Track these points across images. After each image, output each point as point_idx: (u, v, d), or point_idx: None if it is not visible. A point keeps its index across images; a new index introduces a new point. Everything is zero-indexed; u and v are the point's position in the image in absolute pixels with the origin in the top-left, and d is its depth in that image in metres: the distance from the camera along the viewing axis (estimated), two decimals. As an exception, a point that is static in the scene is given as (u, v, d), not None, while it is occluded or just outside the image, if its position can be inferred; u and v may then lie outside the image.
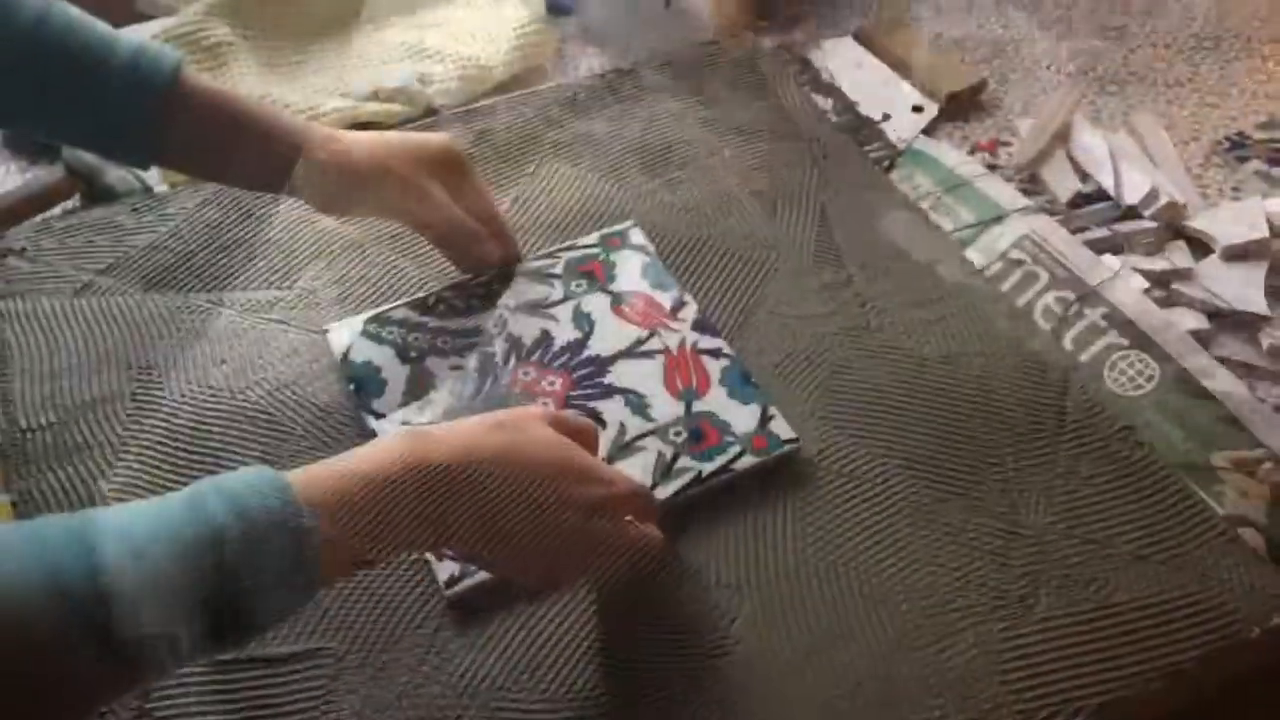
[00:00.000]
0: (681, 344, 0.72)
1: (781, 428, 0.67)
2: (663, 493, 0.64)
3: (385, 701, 0.57)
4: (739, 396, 0.69)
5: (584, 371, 0.70)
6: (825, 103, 0.98)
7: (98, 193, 0.88)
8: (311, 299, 0.77)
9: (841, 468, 0.67)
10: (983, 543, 0.64)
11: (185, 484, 0.45)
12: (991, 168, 0.95)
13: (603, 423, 0.67)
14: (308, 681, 0.58)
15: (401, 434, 0.51)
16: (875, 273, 0.78)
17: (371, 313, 0.74)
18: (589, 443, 0.59)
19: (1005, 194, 0.92)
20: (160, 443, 0.68)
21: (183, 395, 0.71)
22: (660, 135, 0.89)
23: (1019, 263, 0.87)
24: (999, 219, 0.90)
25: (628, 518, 0.58)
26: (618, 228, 0.79)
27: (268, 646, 0.59)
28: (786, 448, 0.66)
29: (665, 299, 0.74)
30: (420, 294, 0.76)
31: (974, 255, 0.87)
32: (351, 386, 0.70)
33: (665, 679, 0.58)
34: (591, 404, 0.68)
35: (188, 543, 0.43)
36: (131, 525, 0.43)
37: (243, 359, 0.73)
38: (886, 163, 0.94)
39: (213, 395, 0.71)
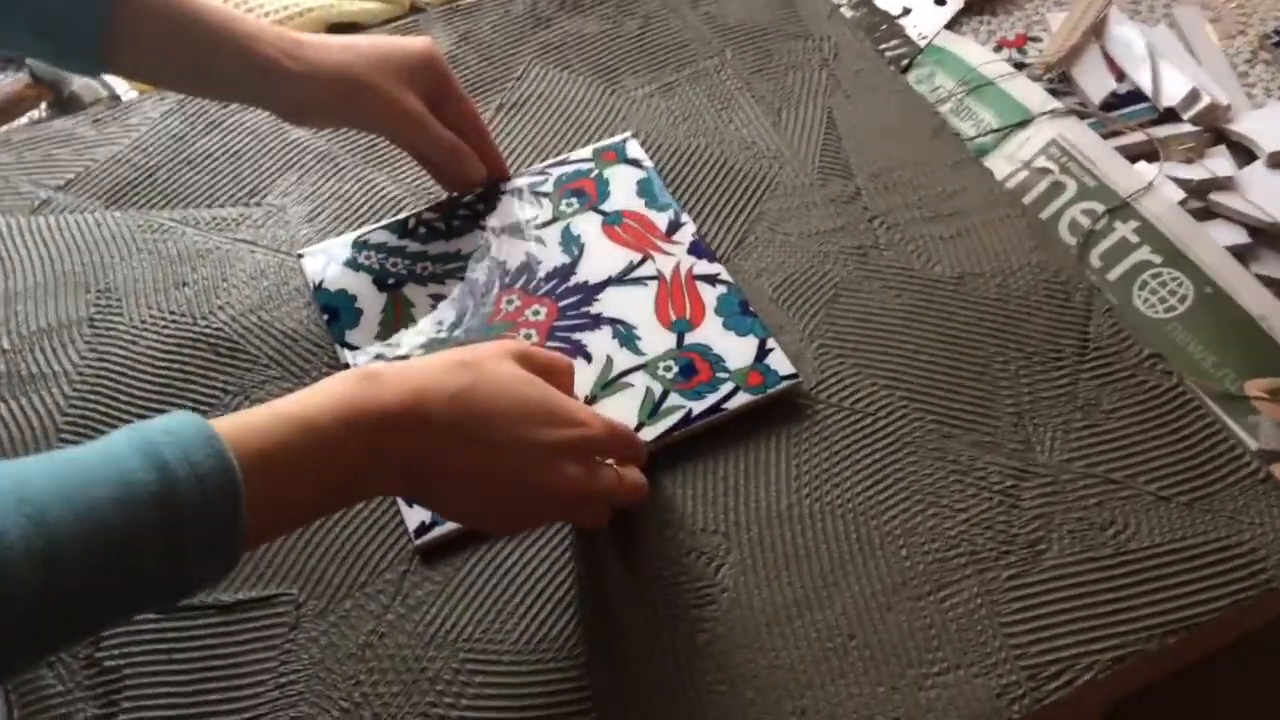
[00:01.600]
0: (675, 269, 0.67)
1: (780, 362, 0.62)
2: (649, 433, 0.60)
3: (347, 651, 0.54)
4: (735, 327, 0.64)
5: (571, 300, 0.65)
6: (839, -4, 0.90)
7: (65, 101, 0.83)
8: (280, 217, 0.72)
9: (841, 400, 0.62)
10: (991, 482, 0.59)
11: (144, 417, 0.40)
12: (1019, 66, 0.88)
13: (588, 356, 0.63)
14: (265, 629, 0.55)
15: (349, 375, 0.47)
16: (886, 185, 0.73)
17: (348, 237, 0.69)
18: (562, 380, 0.55)
19: (1033, 95, 0.86)
20: (120, 372, 0.64)
21: (143, 321, 0.67)
22: (658, 35, 0.82)
23: (1045, 171, 0.80)
24: (1025, 123, 0.84)
25: (608, 461, 0.54)
26: (613, 140, 0.73)
27: (222, 592, 0.56)
28: (784, 384, 0.62)
29: (660, 219, 0.69)
30: (399, 214, 0.71)
31: (996, 163, 0.81)
32: (325, 318, 0.65)
33: (645, 630, 0.54)
34: (577, 335, 0.64)
35: (102, 506, 0.39)
36: (49, 487, 0.39)
37: (206, 281, 0.69)
38: (904, 62, 0.87)
39: (174, 320, 0.67)
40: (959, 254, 0.69)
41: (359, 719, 0.52)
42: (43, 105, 0.84)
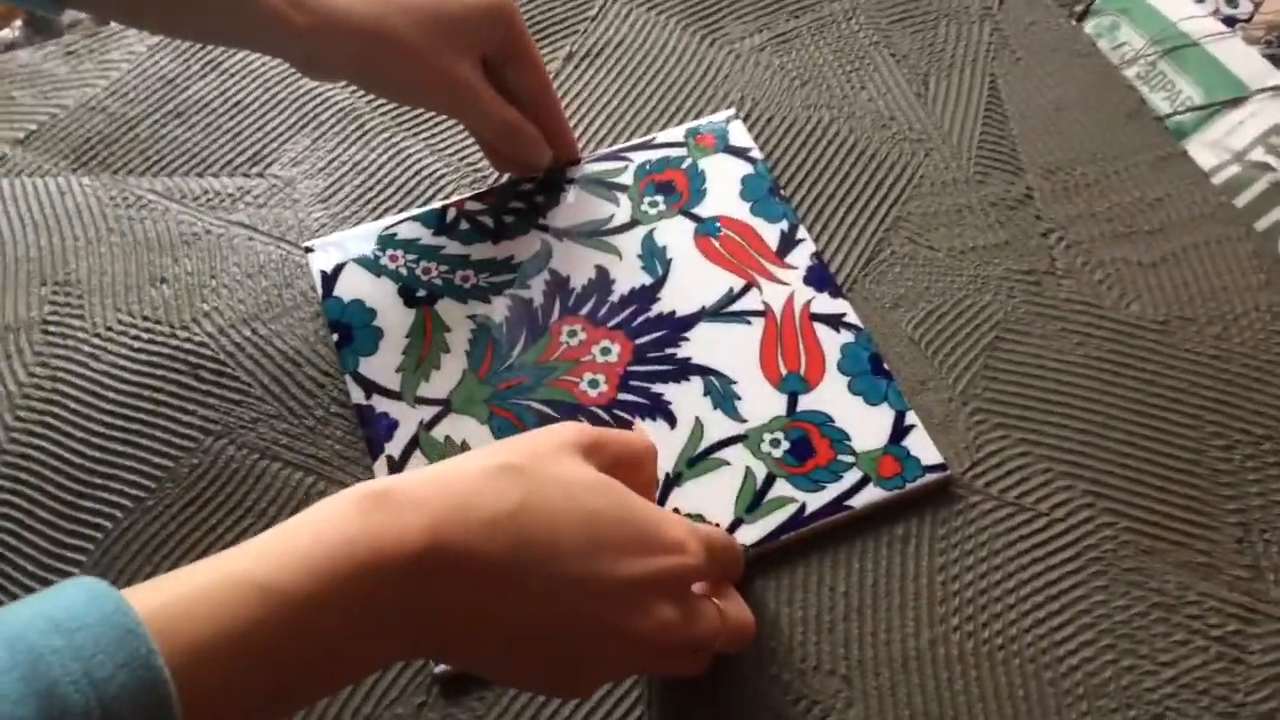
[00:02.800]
0: (789, 304, 0.51)
1: (923, 445, 0.47)
2: (748, 534, 0.45)
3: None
4: (864, 391, 0.48)
5: (651, 336, 0.50)
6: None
7: (38, 23, 0.68)
8: (287, 193, 0.57)
9: (1003, 492, 0.47)
10: (1208, 624, 0.44)
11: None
12: (1230, 23, 0.68)
13: (671, 419, 0.48)
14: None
15: (345, 499, 0.32)
16: (1065, 185, 0.55)
17: (371, 228, 0.54)
18: (643, 475, 0.40)
19: (1249, 64, 0.67)
20: (75, 397, 0.50)
21: (109, 328, 0.53)
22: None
23: (1264, 168, 0.62)
24: (1237, 101, 0.65)
25: (699, 589, 0.40)
26: (713, 121, 0.56)
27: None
28: (929, 478, 0.46)
29: (770, 231, 0.53)
30: (436, 199, 0.55)
31: (1197, 151, 0.63)
32: (334, 338, 0.51)
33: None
34: (658, 388, 0.49)
35: None
36: None
37: (191, 279, 0.54)
38: (1078, 7, 0.68)
39: (147, 330, 0.53)
40: (1163, 288, 0.52)
41: None
42: (14, 24, 0.68)
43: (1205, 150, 0.63)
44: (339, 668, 0.32)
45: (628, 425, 0.47)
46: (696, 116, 0.57)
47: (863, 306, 0.51)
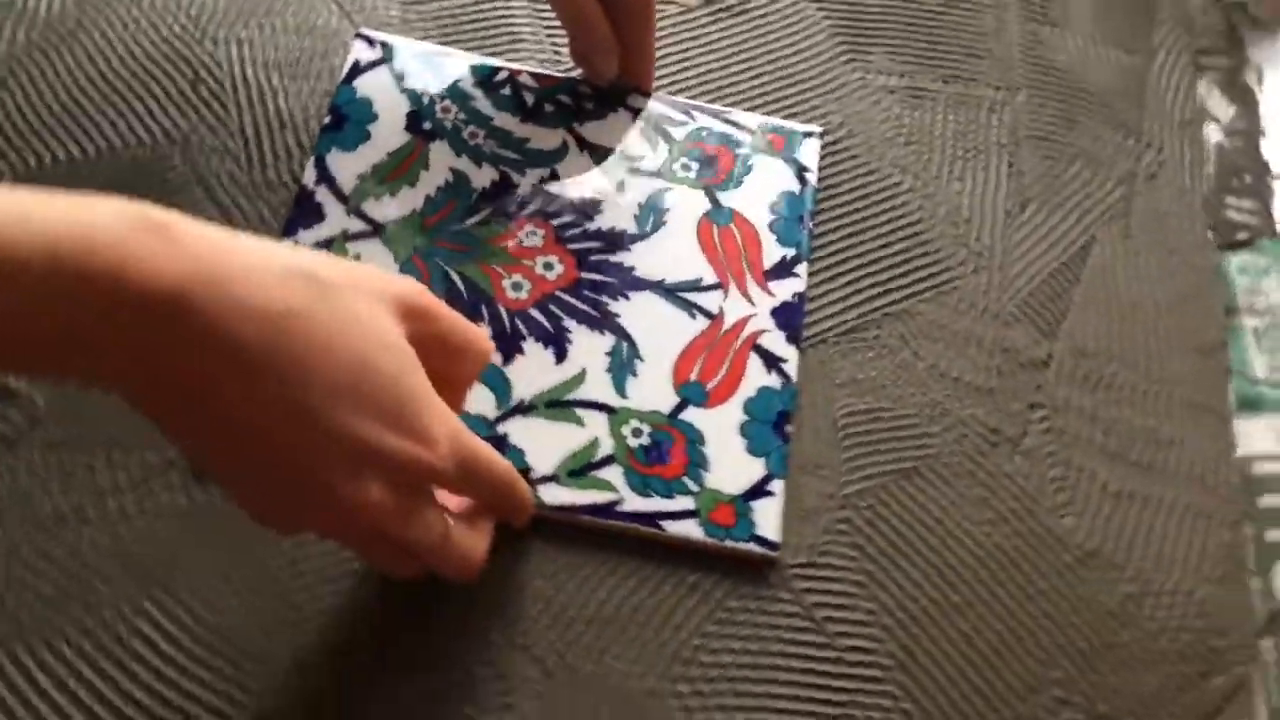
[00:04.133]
0: (743, 322, 0.48)
1: (769, 519, 0.44)
2: (554, 494, 0.43)
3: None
4: (753, 438, 0.45)
5: (596, 277, 0.48)
6: None
7: None
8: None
9: (811, 606, 0.44)
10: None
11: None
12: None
13: (561, 353, 0.46)
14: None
15: (128, 211, 0.30)
16: (1085, 373, 0.51)
17: (422, 46, 0.53)
18: (461, 373, 0.38)
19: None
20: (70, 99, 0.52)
21: (124, 25, 0.53)
22: (954, 22, 0.60)
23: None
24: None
25: (453, 503, 0.38)
26: (794, 126, 0.53)
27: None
28: (751, 548, 0.43)
29: (774, 251, 0.50)
30: (506, 59, 0.54)
31: (1257, 431, 0.57)
32: (327, 119, 0.50)
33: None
34: (569, 322, 0.47)
35: None
36: None
37: (244, 4, 0.54)
38: (1242, 235, 0.62)
39: (180, 27, 0.53)
40: (1110, 523, 0.47)
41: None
42: None
43: (1267, 434, 0.57)
44: (50, 356, 0.30)
45: (517, 337, 0.46)
46: (786, 116, 0.55)
47: (812, 368, 0.48)
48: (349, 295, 0.33)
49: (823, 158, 0.54)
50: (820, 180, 0.53)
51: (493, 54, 0.54)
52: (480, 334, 0.38)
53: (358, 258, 0.47)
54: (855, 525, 0.45)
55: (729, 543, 0.43)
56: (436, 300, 0.36)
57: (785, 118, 0.54)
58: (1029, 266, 0.53)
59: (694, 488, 0.44)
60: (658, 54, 0.56)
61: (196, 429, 0.32)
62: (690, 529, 0.43)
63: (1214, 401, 0.51)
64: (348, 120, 0.50)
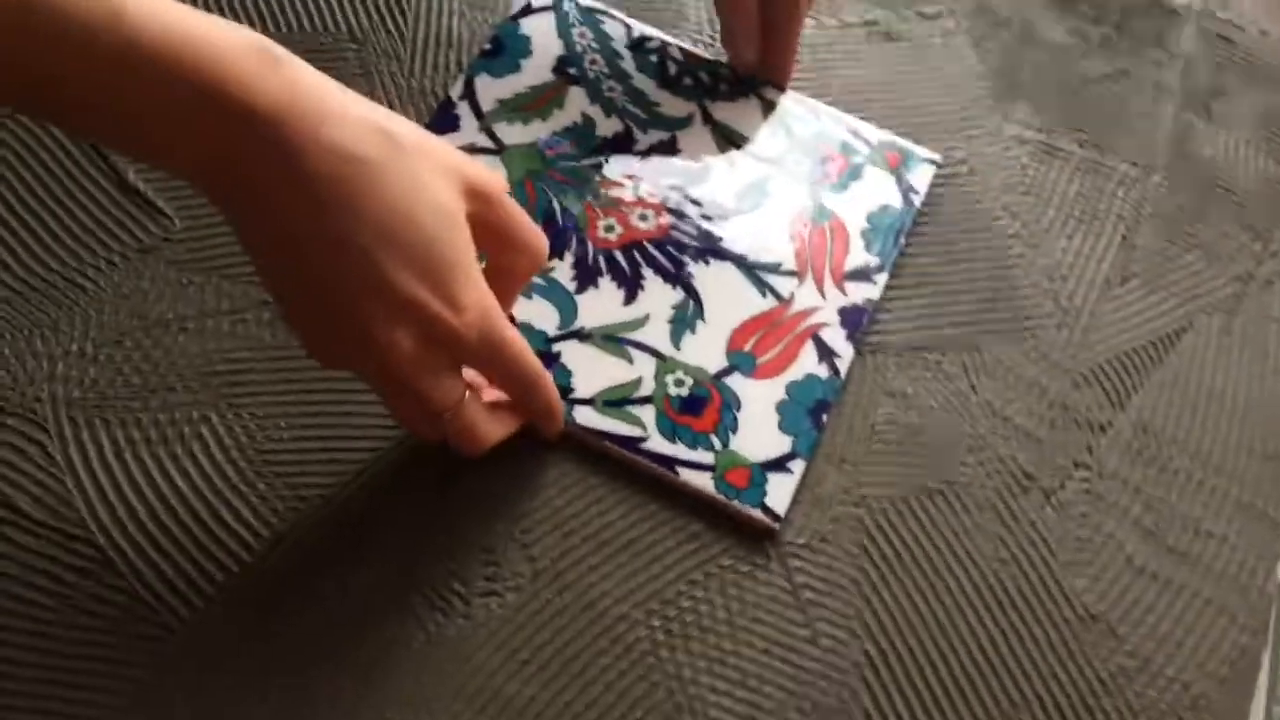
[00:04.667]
0: (808, 312, 0.50)
1: (780, 492, 0.45)
2: (586, 416, 0.46)
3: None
4: (787, 416, 0.47)
5: (684, 239, 0.51)
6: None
7: None
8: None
9: (797, 586, 0.45)
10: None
11: None
12: None
13: (631, 295, 0.49)
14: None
15: (247, 35, 0.34)
16: (1144, 453, 0.50)
17: (591, 2, 0.57)
18: (514, 267, 0.41)
19: None
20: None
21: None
22: (1113, 94, 0.60)
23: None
24: None
25: (488, 394, 0.41)
26: (914, 149, 0.55)
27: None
28: (755, 514, 0.45)
29: (860, 257, 0.52)
30: (663, 29, 0.58)
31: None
32: (488, 45, 0.55)
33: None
34: (647, 271, 0.50)
35: None
36: None
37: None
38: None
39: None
40: (1132, 601, 0.47)
41: None
42: None
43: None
44: (137, 133, 0.34)
45: (596, 272, 0.49)
46: (917, 141, 0.56)
47: (867, 371, 0.50)
48: (416, 158, 0.36)
49: (936, 186, 0.55)
50: (927, 205, 0.55)
51: (655, 25, 0.58)
52: (540, 235, 0.41)
53: (476, 170, 0.51)
54: (864, 524, 0.46)
55: (736, 503, 0.45)
56: (503, 191, 0.39)
57: (911, 141, 0.56)
58: (1114, 336, 0.53)
59: (718, 445, 0.46)
60: (805, 59, 0.58)
61: (261, 242, 0.36)
62: (703, 480, 0.45)
63: (1271, 509, 0.50)
64: (504, 51, 0.55)
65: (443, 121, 0.52)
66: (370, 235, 0.35)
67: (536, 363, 0.41)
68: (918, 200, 0.54)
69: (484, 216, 0.39)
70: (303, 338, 0.38)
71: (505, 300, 0.42)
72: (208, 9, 0.55)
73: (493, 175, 0.39)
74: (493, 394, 0.43)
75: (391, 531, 0.44)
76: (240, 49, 0.34)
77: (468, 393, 0.40)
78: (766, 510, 0.45)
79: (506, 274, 0.42)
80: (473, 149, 0.52)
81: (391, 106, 0.54)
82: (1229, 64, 0.63)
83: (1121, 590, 0.47)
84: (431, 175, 0.37)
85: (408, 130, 0.37)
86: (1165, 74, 0.62)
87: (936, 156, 0.55)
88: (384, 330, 0.36)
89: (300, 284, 0.36)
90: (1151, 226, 0.56)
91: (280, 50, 0.35)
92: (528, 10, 0.56)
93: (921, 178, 0.54)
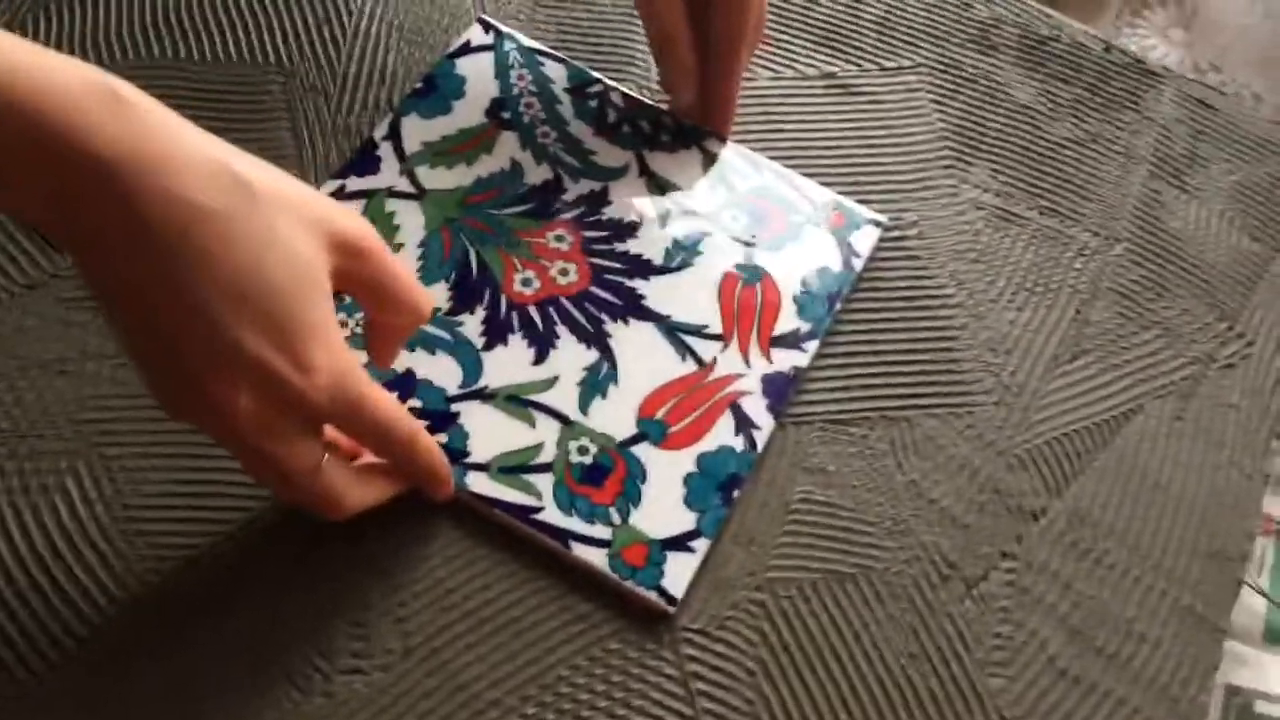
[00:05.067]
0: (728, 379, 0.47)
1: (679, 574, 0.43)
2: (479, 482, 0.44)
3: None
4: (695, 491, 0.44)
5: (604, 296, 0.48)
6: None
7: None
8: (527, -20, 0.59)
9: (688, 676, 0.42)
10: None
11: None
12: None
13: (542, 356, 0.47)
14: None
15: (95, 76, 0.32)
16: (1076, 543, 0.47)
17: (533, 44, 0.55)
18: (386, 316, 0.39)
19: None
20: None
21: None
22: (1085, 167, 0.58)
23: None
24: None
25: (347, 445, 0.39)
26: (863, 213, 0.52)
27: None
28: (649, 596, 0.42)
29: (790, 322, 0.49)
30: (614, 73, 0.56)
31: (1273, 668, 0.52)
32: (419, 84, 0.53)
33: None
34: (561, 328, 0.47)
35: None
36: None
37: (400, -28, 0.58)
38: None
39: (338, -22, 0.57)
40: (1050, 706, 0.44)
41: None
42: None
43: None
44: None
45: (507, 328, 0.47)
46: (860, 200, 0.54)
47: (786, 445, 0.47)
48: (273, 208, 0.34)
49: (881, 249, 0.53)
50: (869, 270, 0.52)
51: (600, 69, 0.56)
52: (420, 293, 0.39)
53: (393, 214, 0.49)
54: (768, 610, 0.44)
55: (630, 583, 0.42)
56: (379, 245, 0.37)
57: (858, 201, 0.53)
58: (1057, 417, 0.50)
59: (617, 519, 0.43)
60: (755, 110, 0.56)
61: (101, 288, 0.34)
62: (597, 557, 0.43)
63: (1212, 614, 0.47)
64: (436, 90, 0.53)
65: (362, 163, 0.50)
66: (213, 290, 0.33)
67: (408, 426, 0.39)
68: (859, 264, 0.51)
69: (355, 271, 0.37)
70: (148, 386, 0.36)
71: (382, 358, 0.40)
72: (131, 31, 0.54)
73: (366, 228, 0.37)
74: (369, 454, 0.41)
75: (255, 599, 0.42)
76: (81, 89, 0.32)
77: (330, 455, 0.38)
78: (662, 592, 0.42)
79: (384, 330, 0.40)
80: (390, 192, 0.50)
81: (313, 144, 0.52)
82: (1208, 131, 0.60)
83: (1041, 693, 0.44)
84: (289, 227, 0.35)
85: (267, 178, 0.35)
86: (1138, 139, 0.59)
87: (882, 218, 0.53)
88: (224, 390, 0.34)
89: (141, 334, 0.34)
90: (1108, 301, 0.54)
91: (128, 91, 0.33)
92: (466, 49, 0.55)
93: (865, 240, 0.52)
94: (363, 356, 0.42)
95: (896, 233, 0.54)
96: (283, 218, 0.34)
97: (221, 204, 0.33)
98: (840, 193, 0.53)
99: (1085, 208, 0.56)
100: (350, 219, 0.37)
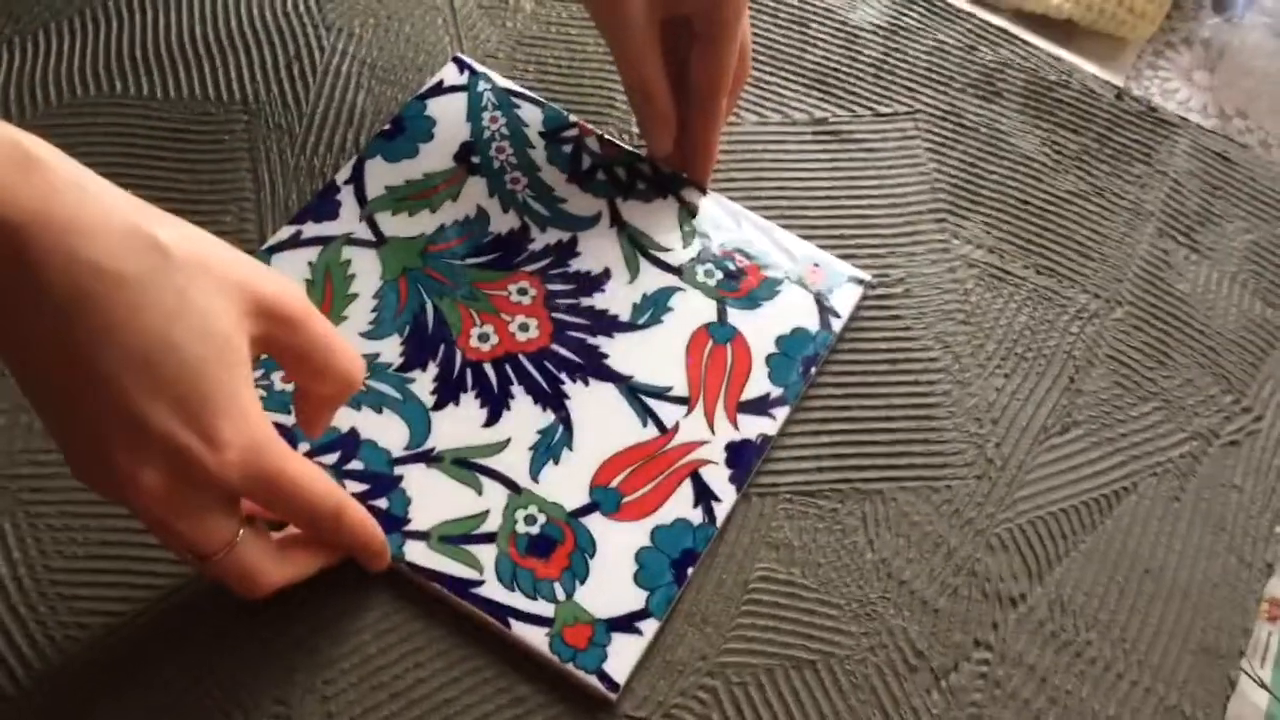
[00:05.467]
0: (690, 446, 0.45)
1: (623, 660, 0.40)
2: (418, 553, 0.41)
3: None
4: (646, 568, 0.42)
5: (565, 355, 0.46)
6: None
7: None
8: (504, 12, 0.57)
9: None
10: None
11: None
12: None
13: (495, 418, 0.44)
14: None
15: (13, 139, 0.31)
16: (1055, 636, 0.44)
17: (509, 84, 0.53)
18: (313, 385, 0.37)
19: None
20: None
21: (298, -12, 0.56)
22: (1087, 227, 0.55)
23: None
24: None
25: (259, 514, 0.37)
26: (841, 270, 0.50)
27: None
28: (592, 683, 0.40)
29: (760, 385, 0.47)
30: (592, 118, 0.54)
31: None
32: (387, 125, 0.51)
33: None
34: (517, 388, 0.45)
35: None
36: None
37: (359, 4, 0.56)
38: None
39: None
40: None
41: None
42: None
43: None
44: None
45: (459, 387, 0.45)
46: (845, 255, 0.51)
47: (750, 517, 0.45)
48: (188, 274, 0.32)
49: (864, 307, 0.50)
50: (851, 330, 0.49)
51: (581, 111, 0.54)
52: (352, 360, 0.37)
53: (349, 262, 0.47)
54: (718, 698, 0.41)
55: (570, 666, 0.40)
56: (306, 311, 0.35)
57: (843, 256, 0.51)
58: (1043, 494, 0.47)
59: (561, 595, 0.41)
60: (739, 157, 0.54)
61: (6, 350, 0.33)
62: (536, 637, 0.40)
63: (1201, 716, 0.44)
64: (404, 132, 0.51)
65: (321, 207, 0.49)
66: (118, 360, 0.31)
67: (333, 501, 0.37)
68: (838, 324, 0.49)
69: (279, 338, 0.35)
70: (60, 449, 0.34)
71: (311, 427, 0.38)
72: (95, 66, 0.52)
73: (295, 294, 0.35)
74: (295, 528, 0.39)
75: (174, 672, 0.40)
76: None
77: (249, 529, 0.36)
78: (603, 677, 0.40)
79: (312, 399, 0.38)
80: (348, 239, 0.48)
81: (273, 186, 0.50)
82: (1224, 186, 0.57)
83: (1011, 799, 0.41)
84: (205, 294, 0.33)
85: (185, 243, 0.33)
86: (1147, 193, 0.56)
87: (866, 276, 0.50)
88: (129, 464, 0.32)
89: (47, 400, 0.33)
90: (1105, 369, 0.51)
91: (41, 150, 0.31)
92: (439, 89, 0.53)
93: (846, 299, 0.49)
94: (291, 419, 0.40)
95: (881, 290, 0.51)
96: (198, 283, 0.33)
97: (131, 268, 0.31)
98: (825, 246, 0.51)
99: (1086, 267, 0.53)
100: (276, 283, 0.35)
